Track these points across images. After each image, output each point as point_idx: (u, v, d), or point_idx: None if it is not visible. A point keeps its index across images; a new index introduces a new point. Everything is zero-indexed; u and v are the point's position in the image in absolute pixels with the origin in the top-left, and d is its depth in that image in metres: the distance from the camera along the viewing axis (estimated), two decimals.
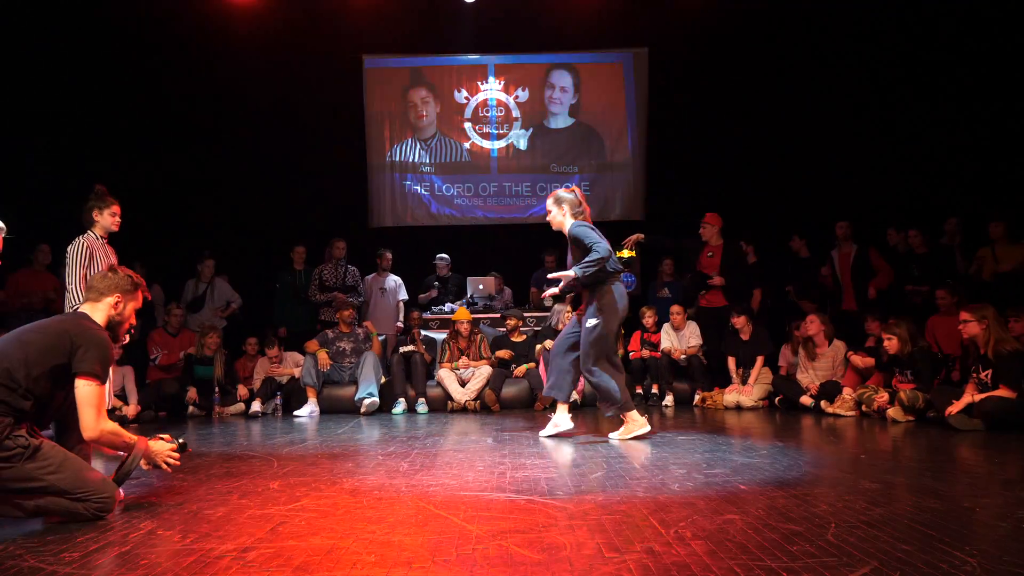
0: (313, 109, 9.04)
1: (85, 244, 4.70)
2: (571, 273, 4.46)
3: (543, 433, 4.66)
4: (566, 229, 4.62)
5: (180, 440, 3.00)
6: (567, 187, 4.80)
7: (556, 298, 6.76)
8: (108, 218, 4.80)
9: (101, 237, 4.82)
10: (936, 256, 6.85)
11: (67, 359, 2.61)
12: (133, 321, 3.01)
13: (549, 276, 4.67)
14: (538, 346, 7.04)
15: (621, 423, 4.53)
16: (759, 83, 8.82)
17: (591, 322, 4.47)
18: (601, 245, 4.38)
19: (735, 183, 8.83)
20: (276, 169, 8.98)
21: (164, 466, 2.88)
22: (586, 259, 4.36)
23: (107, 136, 8.17)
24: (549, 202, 4.72)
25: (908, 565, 1.89)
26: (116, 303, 2.87)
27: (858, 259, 7.20)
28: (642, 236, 6.16)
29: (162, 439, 2.93)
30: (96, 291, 2.87)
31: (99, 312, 2.84)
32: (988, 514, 2.43)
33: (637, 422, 4.47)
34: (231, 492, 3.02)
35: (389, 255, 7.95)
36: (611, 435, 4.50)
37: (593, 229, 4.52)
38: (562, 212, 4.62)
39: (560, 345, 4.72)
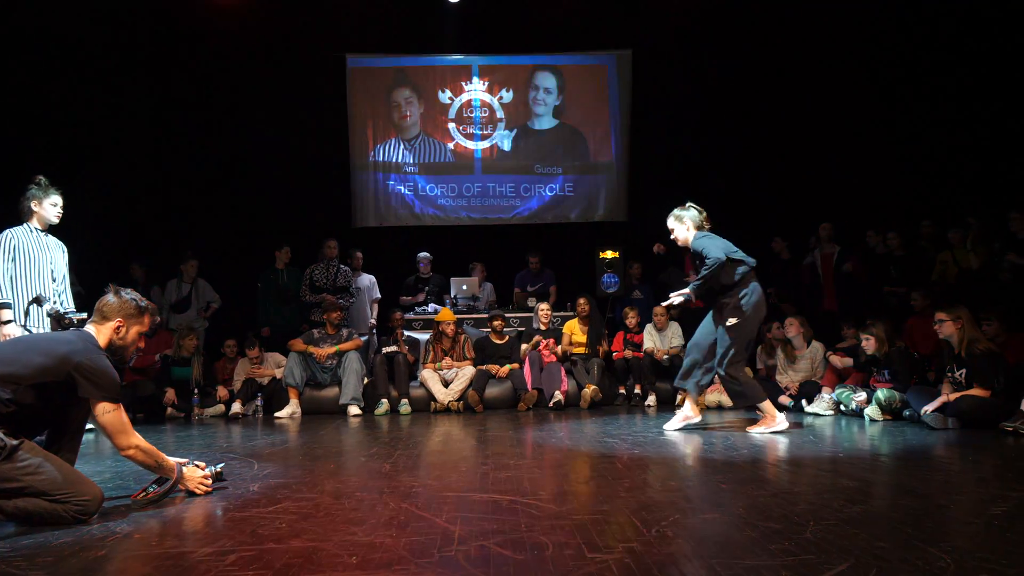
0: (296, 108, 8.99)
1: (10, 238, 4.48)
2: (687, 291, 4.63)
3: (669, 426, 4.82)
4: (690, 243, 4.74)
5: (218, 469, 3.13)
6: (683, 206, 4.82)
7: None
8: (49, 209, 4.57)
9: (39, 230, 4.60)
10: (914, 258, 6.94)
11: (62, 379, 2.62)
12: (140, 344, 3.03)
13: (673, 297, 4.74)
14: (524, 346, 7.04)
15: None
16: (742, 86, 8.90)
17: (731, 320, 4.53)
18: (712, 254, 4.47)
19: (718, 184, 8.89)
20: (258, 169, 8.93)
21: (198, 491, 2.96)
22: (700, 274, 4.53)
23: (90, 136, 8.07)
24: (671, 221, 4.80)
25: (884, 562, 1.92)
26: (118, 327, 2.88)
27: (840, 260, 7.29)
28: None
29: (197, 466, 3.01)
30: (100, 313, 2.88)
31: (102, 335, 2.85)
32: (962, 511, 2.47)
33: (774, 417, 4.60)
34: (210, 494, 2.99)
35: (360, 255, 8.00)
36: (750, 429, 4.65)
37: (713, 238, 4.64)
38: (685, 227, 4.75)
39: (703, 341, 4.77)
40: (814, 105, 8.49)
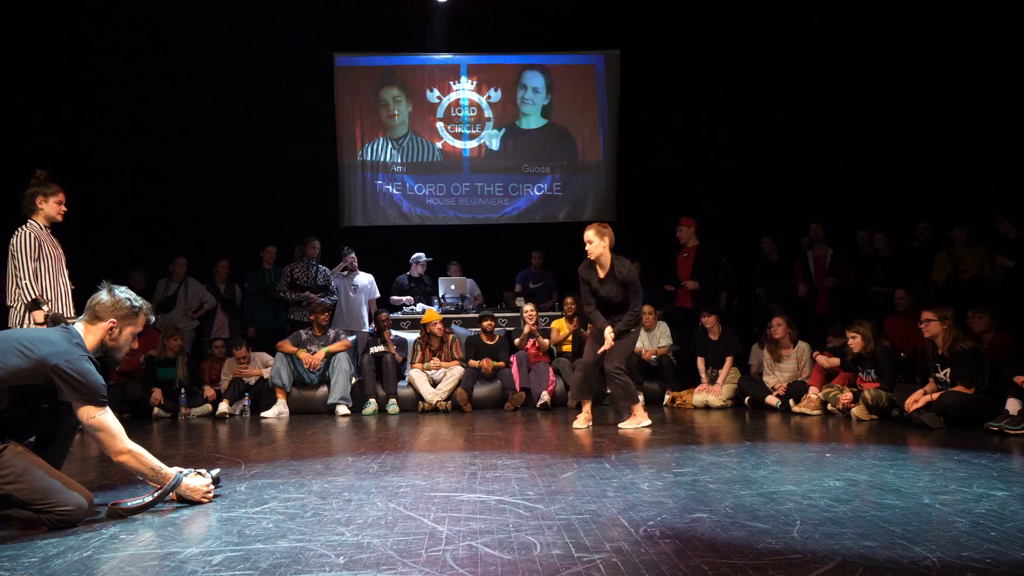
0: (284, 107, 8.94)
1: (31, 234, 4.29)
2: (610, 339, 5.10)
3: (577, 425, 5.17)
4: (605, 260, 5.16)
5: (214, 473, 2.96)
6: (603, 223, 5.34)
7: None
8: (53, 207, 4.39)
9: (45, 227, 4.41)
10: (901, 259, 6.98)
11: (40, 383, 2.49)
12: (134, 345, 2.89)
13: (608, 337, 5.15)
14: (516, 340, 7.01)
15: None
16: (730, 85, 8.91)
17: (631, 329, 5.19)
18: (637, 300, 5.17)
19: (706, 184, 8.93)
20: (245, 168, 8.87)
21: (204, 501, 2.82)
22: (626, 317, 5.13)
23: (76, 135, 8.00)
24: (590, 234, 5.16)
25: (870, 561, 1.93)
26: (111, 328, 2.74)
27: (833, 263, 7.30)
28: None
29: (199, 475, 2.86)
30: (92, 312, 2.74)
31: (92, 335, 2.71)
32: (947, 510, 2.49)
33: (643, 415, 5.13)
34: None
35: (353, 254, 7.92)
36: (620, 424, 5.12)
37: (631, 270, 5.17)
38: (604, 244, 5.13)
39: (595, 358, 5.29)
40: (802, 104, 8.51)
